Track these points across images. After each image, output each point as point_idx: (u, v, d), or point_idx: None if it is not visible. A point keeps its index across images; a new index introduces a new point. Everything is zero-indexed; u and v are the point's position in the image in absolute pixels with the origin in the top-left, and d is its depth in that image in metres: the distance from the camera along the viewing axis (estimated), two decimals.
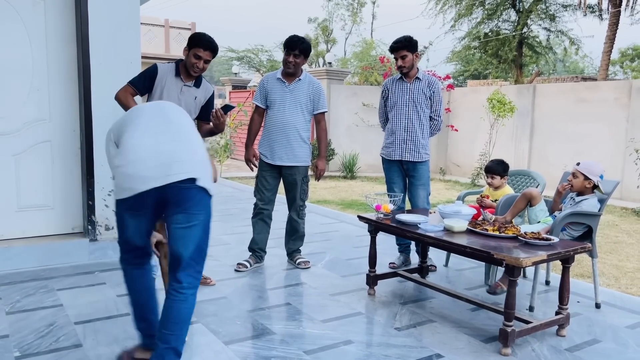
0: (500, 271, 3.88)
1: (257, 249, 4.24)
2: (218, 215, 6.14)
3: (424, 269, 3.95)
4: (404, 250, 4.37)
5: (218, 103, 8.67)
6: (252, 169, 4.27)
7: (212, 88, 3.64)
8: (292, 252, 4.37)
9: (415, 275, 3.87)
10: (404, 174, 4.26)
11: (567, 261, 2.97)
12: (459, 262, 4.51)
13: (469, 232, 3.22)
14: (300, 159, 4.14)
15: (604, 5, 17.13)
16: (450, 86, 11.70)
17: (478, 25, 18.36)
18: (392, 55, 4.17)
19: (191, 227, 2.23)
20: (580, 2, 17.23)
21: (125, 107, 3.31)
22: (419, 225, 3.31)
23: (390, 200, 3.68)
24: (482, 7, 18.21)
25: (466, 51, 19.18)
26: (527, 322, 2.94)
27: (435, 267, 4.27)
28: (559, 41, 18.83)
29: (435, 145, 12.04)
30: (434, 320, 3.25)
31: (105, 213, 4.33)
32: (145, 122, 2.31)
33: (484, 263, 4.41)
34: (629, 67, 34.01)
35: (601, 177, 3.54)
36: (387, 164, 4.29)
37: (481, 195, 4.18)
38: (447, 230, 3.23)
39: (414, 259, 4.41)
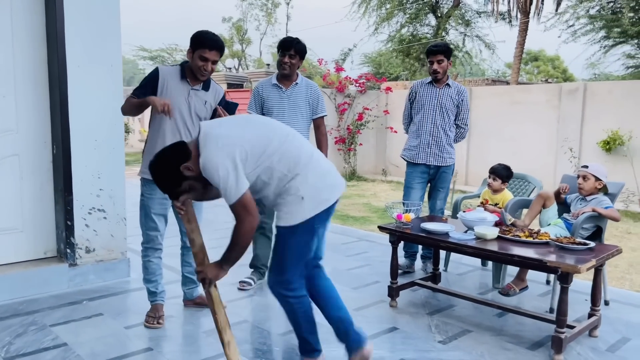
0: (509, 274, 3.95)
1: (259, 265, 3.99)
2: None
3: (436, 276, 3.92)
4: (410, 256, 4.31)
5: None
6: None
7: (222, 89, 3.36)
8: None
9: (430, 283, 3.83)
10: (426, 179, 4.21)
11: (600, 264, 3.06)
12: (457, 265, 4.54)
13: (499, 239, 3.22)
14: None
15: (514, 12, 18.35)
16: (389, 88, 11.86)
17: (400, 29, 18.90)
18: (428, 59, 4.11)
19: None
20: (493, 9, 18.33)
21: (133, 109, 3.08)
22: (450, 234, 3.26)
23: (410, 210, 3.60)
24: (403, 12, 18.77)
25: (390, 54, 19.65)
26: (571, 327, 2.97)
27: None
28: (475, 45, 19.85)
29: (374, 147, 12.17)
30: (470, 329, 3.21)
31: (86, 234, 3.88)
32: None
33: (481, 265, 4.49)
34: (523, 70, 36.77)
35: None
36: (410, 167, 4.23)
37: (482, 202, 4.22)
38: (479, 238, 3.21)
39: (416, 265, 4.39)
